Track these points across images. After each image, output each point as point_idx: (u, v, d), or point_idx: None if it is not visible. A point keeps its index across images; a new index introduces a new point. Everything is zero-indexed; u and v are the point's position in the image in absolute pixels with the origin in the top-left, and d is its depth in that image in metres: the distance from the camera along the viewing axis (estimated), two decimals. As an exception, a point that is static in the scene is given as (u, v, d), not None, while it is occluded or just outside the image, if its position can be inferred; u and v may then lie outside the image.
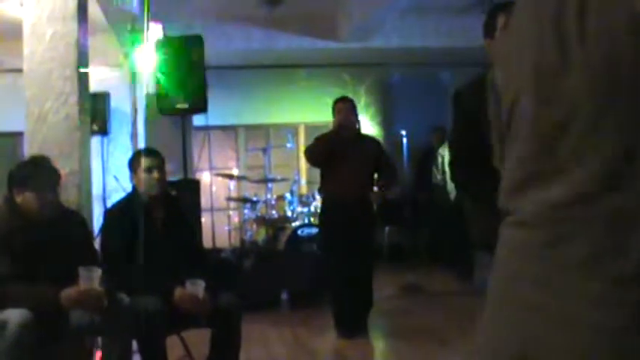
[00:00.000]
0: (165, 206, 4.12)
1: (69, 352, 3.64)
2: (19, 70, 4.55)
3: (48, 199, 3.55)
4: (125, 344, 3.63)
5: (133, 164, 4.14)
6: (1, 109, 8.53)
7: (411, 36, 9.23)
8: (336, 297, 5.80)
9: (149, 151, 4.22)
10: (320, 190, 6.20)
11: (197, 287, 3.79)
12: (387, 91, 10.93)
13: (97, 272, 3.41)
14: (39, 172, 3.58)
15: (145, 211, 4.03)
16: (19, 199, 3.52)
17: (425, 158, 9.52)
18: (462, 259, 7.36)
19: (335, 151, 5.65)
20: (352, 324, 5.68)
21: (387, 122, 10.79)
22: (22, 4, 4.54)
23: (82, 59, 4.45)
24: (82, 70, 4.44)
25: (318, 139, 5.87)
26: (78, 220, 3.86)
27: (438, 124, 9.13)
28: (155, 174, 4.04)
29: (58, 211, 3.65)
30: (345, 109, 5.75)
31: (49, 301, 3.36)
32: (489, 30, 2.96)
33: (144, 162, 4.06)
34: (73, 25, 4.37)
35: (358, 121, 5.91)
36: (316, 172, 10.23)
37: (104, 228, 4.14)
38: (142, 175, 4.04)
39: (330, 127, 5.83)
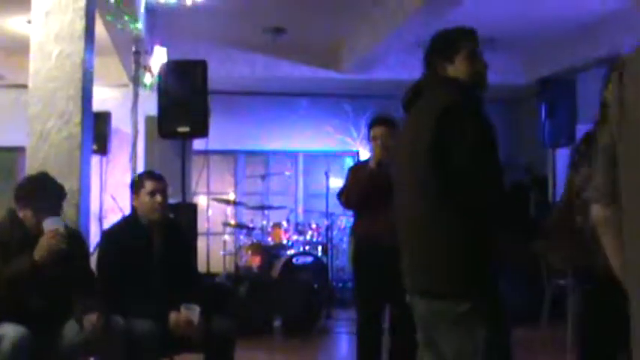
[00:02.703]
0: (164, 230, 4.09)
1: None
2: (23, 86, 4.56)
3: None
4: (117, 366, 3.61)
5: (136, 186, 4.10)
6: (3, 124, 8.55)
7: (415, 69, 9.22)
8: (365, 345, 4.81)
9: (154, 175, 4.17)
10: (353, 230, 5.19)
11: (192, 312, 3.78)
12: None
13: (58, 220, 3.54)
14: (40, 195, 3.65)
15: (144, 234, 4.03)
16: (21, 214, 3.64)
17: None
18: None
19: (374, 188, 4.54)
20: None
21: (387, 154, 10.78)
22: (29, 22, 4.56)
23: (87, 79, 4.47)
24: (86, 90, 4.46)
25: (352, 183, 4.82)
26: (76, 237, 3.86)
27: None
28: (158, 198, 4.01)
29: None
30: (385, 135, 4.58)
31: (24, 262, 3.42)
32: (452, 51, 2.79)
33: (148, 185, 4.04)
34: (80, 45, 4.39)
35: None
36: (312, 201, 10.36)
37: (101, 249, 4.10)
38: (145, 198, 4.02)
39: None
